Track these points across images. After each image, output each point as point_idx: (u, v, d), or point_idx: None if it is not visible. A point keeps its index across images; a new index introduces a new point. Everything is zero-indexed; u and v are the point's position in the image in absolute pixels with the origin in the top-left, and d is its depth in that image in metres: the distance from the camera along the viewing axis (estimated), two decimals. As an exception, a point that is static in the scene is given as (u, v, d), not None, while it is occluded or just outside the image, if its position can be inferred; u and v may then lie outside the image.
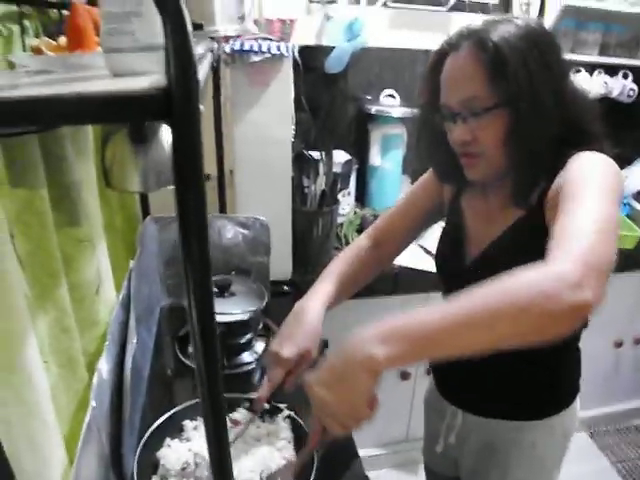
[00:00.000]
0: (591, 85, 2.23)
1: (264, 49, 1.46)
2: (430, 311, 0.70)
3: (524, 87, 0.89)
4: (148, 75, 0.49)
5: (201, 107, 0.41)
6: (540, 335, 0.71)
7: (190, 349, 1.38)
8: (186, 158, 0.39)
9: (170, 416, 1.05)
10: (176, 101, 0.37)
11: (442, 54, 0.98)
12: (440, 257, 1.21)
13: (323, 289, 1.11)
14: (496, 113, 0.92)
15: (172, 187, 1.25)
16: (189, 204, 0.41)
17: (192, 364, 1.34)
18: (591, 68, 2.25)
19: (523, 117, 0.90)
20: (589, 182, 0.84)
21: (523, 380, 1.10)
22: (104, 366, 0.90)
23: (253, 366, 1.32)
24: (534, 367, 1.08)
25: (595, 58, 2.23)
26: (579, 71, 2.23)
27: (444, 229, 1.22)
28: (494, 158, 0.96)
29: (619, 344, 2.39)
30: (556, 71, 0.92)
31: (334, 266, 1.17)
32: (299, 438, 1.04)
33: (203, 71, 0.62)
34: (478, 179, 1.02)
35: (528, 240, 0.96)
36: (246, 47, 1.45)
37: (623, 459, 2.41)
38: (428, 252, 1.93)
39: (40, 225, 0.75)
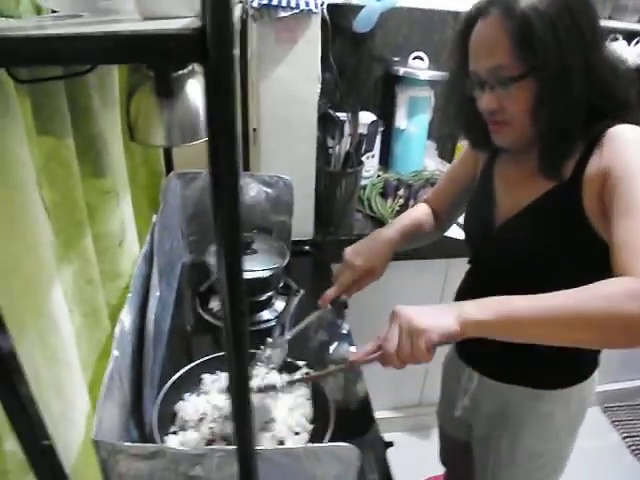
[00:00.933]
0: (628, 54, 2.15)
1: (292, 4, 1.42)
2: (527, 299, 0.79)
3: (551, 57, 0.86)
4: (180, 19, 0.48)
5: (235, 52, 0.40)
6: (609, 346, 0.83)
7: (210, 305, 1.40)
8: (220, 104, 0.37)
9: (190, 369, 1.07)
10: (211, 42, 0.35)
11: (471, 19, 0.96)
12: (469, 221, 1.20)
13: (397, 228, 1.21)
14: (523, 82, 0.89)
15: (196, 143, 1.23)
16: (221, 155, 0.40)
17: (212, 320, 1.35)
18: (629, 36, 2.17)
19: (550, 87, 0.88)
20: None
21: (545, 348, 1.09)
22: (126, 317, 0.90)
23: (273, 324, 1.33)
24: None
25: (635, 25, 2.14)
26: (616, 39, 2.15)
27: (474, 194, 1.21)
28: (521, 126, 0.95)
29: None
30: (588, 39, 0.88)
31: (405, 217, 1.27)
32: (316, 395, 1.05)
33: (234, 18, 0.60)
34: (505, 145, 1.02)
35: (557, 213, 0.96)
36: (274, 2, 1.41)
37: (634, 435, 2.41)
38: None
39: (66, 175, 0.75)
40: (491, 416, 1.21)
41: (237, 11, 0.65)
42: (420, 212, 1.30)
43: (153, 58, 0.37)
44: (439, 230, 1.35)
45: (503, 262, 1.07)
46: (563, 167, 0.94)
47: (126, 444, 0.67)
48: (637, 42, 2.16)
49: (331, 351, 1.26)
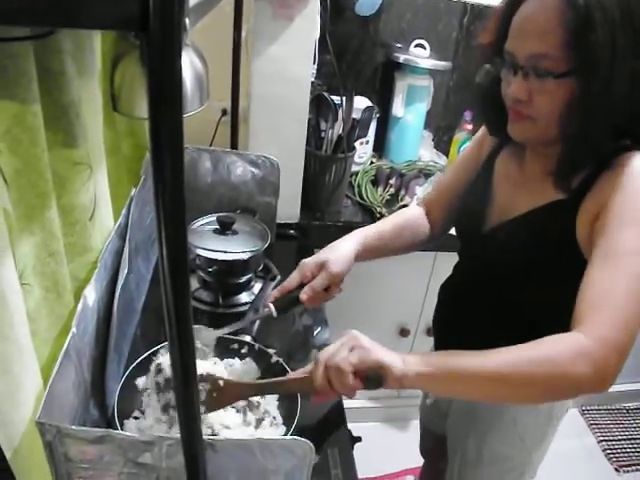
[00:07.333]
0: None
1: (292, -20, 1.39)
2: (473, 357, 0.78)
3: (603, 62, 0.79)
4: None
5: (186, 21, 0.37)
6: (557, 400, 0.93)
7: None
8: (161, 81, 0.34)
9: (158, 350, 1.04)
10: (153, 11, 0.32)
11: None
12: (461, 214, 1.14)
13: (360, 233, 1.11)
14: (563, 80, 0.83)
15: (183, 117, 1.19)
16: (163, 139, 0.38)
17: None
18: None
19: (591, 93, 0.81)
20: (633, 228, 0.79)
21: None
22: (91, 293, 0.88)
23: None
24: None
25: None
26: None
27: (472, 185, 1.13)
28: (544, 125, 0.88)
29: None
30: None
31: (377, 224, 1.18)
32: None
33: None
34: (520, 139, 0.95)
35: (553, 229, 0.91)
36: (273, -24, 1.37)
37: (609, 438, 2.41)
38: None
39: (31, 142, 0.71)
40: (463, 413, 1.19)
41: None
42: (407, 216, 1.21)
43: (89, 23, 0.34)
44: (436, 229, 1.23)
45: (489, 264, 1.03)
46: (573, 180, 0.89)
47: (72, 427, 0.65)
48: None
49: (314, 335, 1.25)
